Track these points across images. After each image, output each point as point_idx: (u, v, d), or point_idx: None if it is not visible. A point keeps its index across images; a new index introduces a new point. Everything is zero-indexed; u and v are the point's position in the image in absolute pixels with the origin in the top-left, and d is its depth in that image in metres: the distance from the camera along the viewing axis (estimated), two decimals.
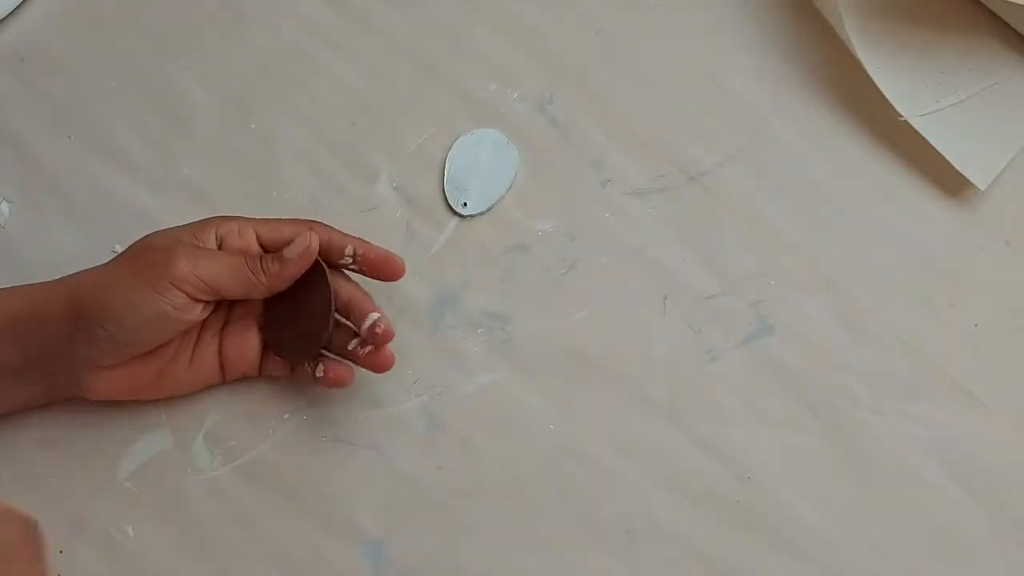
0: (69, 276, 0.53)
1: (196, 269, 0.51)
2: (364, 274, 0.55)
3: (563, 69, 0.63)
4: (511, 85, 0.63)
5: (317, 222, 0.55)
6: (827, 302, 0.59)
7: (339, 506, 0.56)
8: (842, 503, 0.55)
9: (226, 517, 0.56)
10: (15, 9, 0.64)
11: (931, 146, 0.59)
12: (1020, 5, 0.59)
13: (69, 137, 0.62)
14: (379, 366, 0.54)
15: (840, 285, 0.59)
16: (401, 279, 0.56)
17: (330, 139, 0.62)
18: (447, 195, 0.61)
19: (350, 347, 0.55)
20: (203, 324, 0.55)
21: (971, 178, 0.59)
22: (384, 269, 0.55)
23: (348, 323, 0.55)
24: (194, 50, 0.64)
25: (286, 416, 0.57)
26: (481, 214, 0.60)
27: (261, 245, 0.55)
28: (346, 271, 0.56)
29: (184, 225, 0.54)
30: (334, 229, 0.55)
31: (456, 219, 0.61)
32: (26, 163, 0.62)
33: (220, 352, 0.55)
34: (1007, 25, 0.62)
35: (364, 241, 0.55)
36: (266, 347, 0.56)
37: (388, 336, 0.54)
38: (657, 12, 0.64)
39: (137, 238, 0.55)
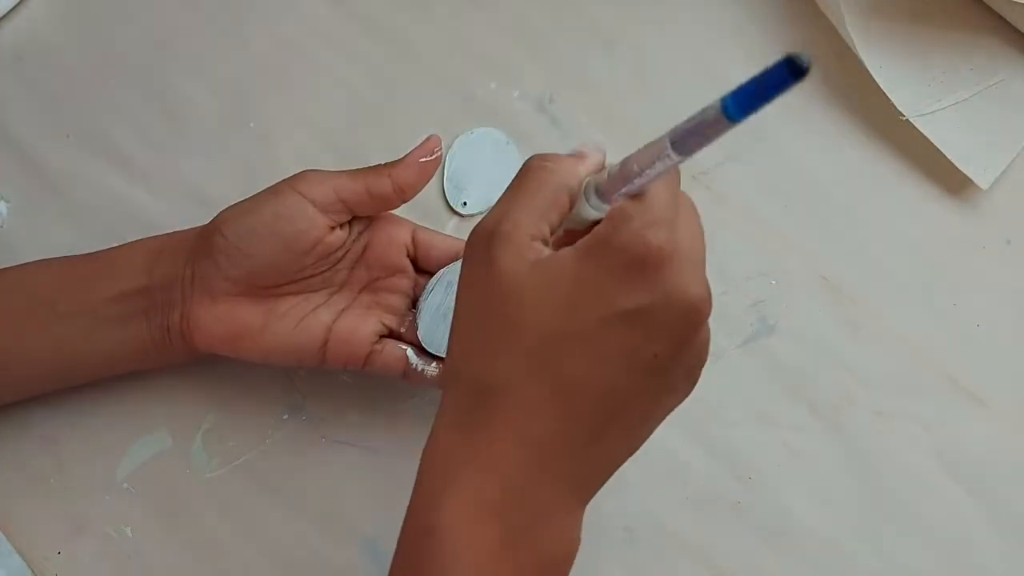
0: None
1: (315, 176, 0.52)
2: None
3: (563, 68, 0.63)
4: (511, 84, 0.63)
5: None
6: (828, 302, 0.59)
7: (338, 506, 0.56)
8: (842, 503, 0.55)
9: (225, 517, 0.56)
10: (14, 8, 0.64)
11: (933, 145, 0.59)
12: (1022, 4, 0.59)
13: (68, 136, 0.62)
14: None
15: (841, 285, 0.59)
16: None
17: (330, 139, 0.62)
18: (447, 194, 0.61)
19: None
20: (326, 298, 0.54)
21: (973, 177, 0.59)
22: None
23: None
24: (194, 50, 0.64)
25: (285, 416, 0.57)
26: (481, 214, 0.60)
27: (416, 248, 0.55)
28: None
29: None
30: None
31: (456, 218, 0.61)
32: (24, 162, 0.62)
33: (331, 328, 0.53)
34: (1009, 24, 0.62)
35: None
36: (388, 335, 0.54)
37: None
38: (658, 11, 0.64)
39: (136, 238, 0.55)
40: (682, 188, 0.61)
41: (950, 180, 0.60)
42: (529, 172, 0.42)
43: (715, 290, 0.59)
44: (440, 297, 0.54)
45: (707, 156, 0.61)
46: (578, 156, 0.44)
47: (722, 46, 0.64)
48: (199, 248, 0.53)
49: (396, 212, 0.56)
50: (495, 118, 0.62)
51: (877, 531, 0.55)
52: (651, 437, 0.56)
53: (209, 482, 0.56)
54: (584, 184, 0.42)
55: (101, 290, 0.53)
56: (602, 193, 0.41)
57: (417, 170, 0.53)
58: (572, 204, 0.42)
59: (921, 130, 0.59)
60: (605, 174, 0.42)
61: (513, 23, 0.65)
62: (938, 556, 0.55)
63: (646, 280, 0.38)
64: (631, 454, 0.43)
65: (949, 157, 0.59)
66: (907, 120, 0.59)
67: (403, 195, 0.53)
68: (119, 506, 0.56)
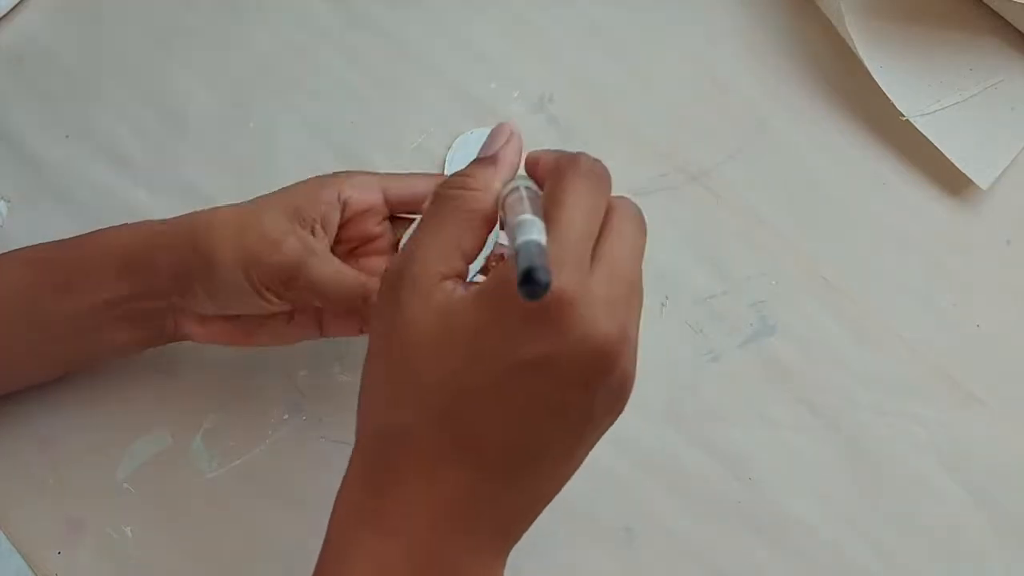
0: (191, 217, 0.52)
1: (308, 278, 0.49)
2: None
3: (563, 68, 0.63)
4: (511, 84, 0.63)
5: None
6: (828, 302, 0.59)
7: None
8: (843, 503, 0.55)
9: (225, 518, 0.55)
10: (14, 8, 0.64)
11: (933, 145, 0.59)
12: (1022, 4, 0.59)
13: (67, 136, 0.62)
14: None
15: (841, 285, 0.59)
16: None
17: (329, 138, 0.62)
18: None
19: None
20: None
21: (973, 177, 0.59)
22: None
23: None
24: (193, 50, 0.64)
25: (285, 417, 0.57)
26: None
27: (388, 202, 0.53)
28: None
29: (304, 187, 0.52)
30: None
31: None
32: (24, 162, 0.62)
33: (321, 309, 0.53)
34: (1009, 24, 0.62)
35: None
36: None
37: None
38: (657, 11, 0.64)
39: None
40: (682, 188, 0.61)
41: (950, 180, 0.60)
42: (437, 202, 0.41)
43: (715, 290, 0.59)
44: None
45: (707, 156, 0.61)
46: (490, 163, 0.42)
47: (722, 46, 0.64)
48: (179, 283, 0.51)
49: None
50: (495, 118, 0.62)
51: (877, 531, 0.55)
52: (652, 438, 0.57)
53: (209, 482, 0.56)
54: (500, 198, 0.40)
55: (76, 301, 0.51)
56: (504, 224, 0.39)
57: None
58: (492, 223, 0.41)
59: (921, 130, 0.59)
60: (516, 187, 0.40)
61: (513, 23, 0.65)
62: (938, 556, 0.55)
63: (549, 327, 0.36)
64: (555, 494, 0.41)
65: (949, 157, 0.59)
66: (907, 120, 0.59)
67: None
68: (119, 506, 0.55)
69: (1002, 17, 0.62)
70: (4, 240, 0.60)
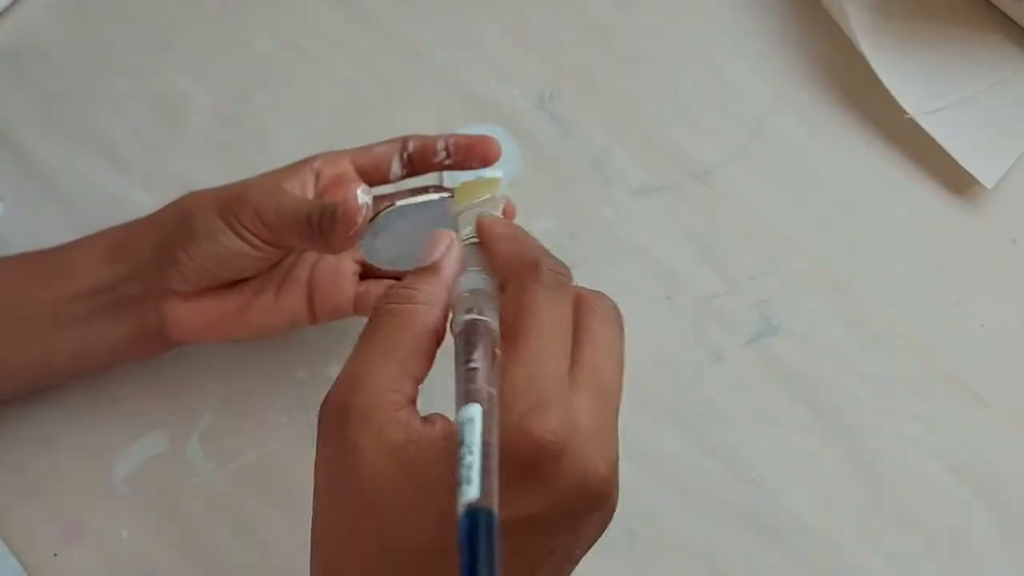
0: (178, 200, 0.52)
1: (262, 211, 0.48)
2: (461, 166, 0.53)
3: (565, 65, 0.63)
4: (512, 81, 0.63)
5: (412, 135, 0.53)
6: (832, 302, 0.58)
7: None
8: (846, 504, 0.55)
9: (222, 520, 0.55)
10: (11, 6, 0.64)
11: (937, 144, 0.59)
12: None
13: (65, 136, 0.62)
14: None
15: (845, 284, 0.59)
16: None
17: (329, 137, 0.61)
18: None
19: None
20: (296, 257, 0.53)
21: (978, 176, 0.59)
22: (477, 151, 0.52)
23: None
24: (191, 48, 0.64)
25: (284, 419, 0.56)
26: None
27: (357, 170, 0.52)
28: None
29: (282, 169, 0.53)
30: (427, 135, 0.53)
31: None
32: (21, 161, 0.62)
33: (310, 283, 0.52)
34: (1014, 23, 0.62)
35: (454, 134, 0.53)
36: (366, 274, 0.53)
37: None
38: (660, 8, 0.64)
39: None
40: (684, 187, 0.61)
41: (955, 179, 0.60)
42: (379, 319, 0.37)
43: (717, 290, 0.59)
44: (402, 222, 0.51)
45: (710, 155, 0.61)
46: (432, 272, 0.38)
47: (723, 43, 0.64)
48: (164, 253, 0.51)
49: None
50: (495, 115, 0.62)
51: (879, 532, 0.55)
52: (654, 438, 0.56)
53: (206, 484, 0.55)
54: (451, 322, 0.37)
55: (60, 289, 0.51)
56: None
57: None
58: (440, 339, 0.37)
59: (926, 129, 0.59)
60: (471, 322, 0.36)
61: (513, 20, 0.64)
62: (940, 557, 0.54)
63: (536, 483, 0.32)
64: None
65: (954, 156, 0.59)
66: (911, 119, 0.59)
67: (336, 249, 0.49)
68: (116, 508, 0.55)
69: (1007, 15, 0.62)
70: (1, 240, 0.60)
